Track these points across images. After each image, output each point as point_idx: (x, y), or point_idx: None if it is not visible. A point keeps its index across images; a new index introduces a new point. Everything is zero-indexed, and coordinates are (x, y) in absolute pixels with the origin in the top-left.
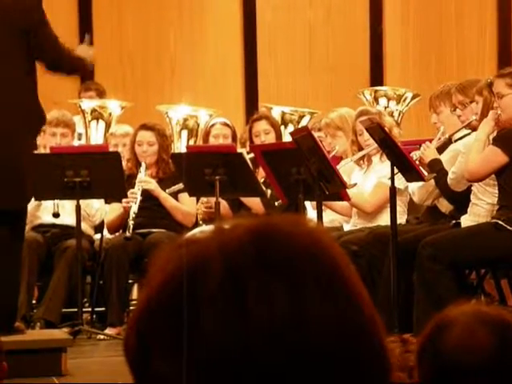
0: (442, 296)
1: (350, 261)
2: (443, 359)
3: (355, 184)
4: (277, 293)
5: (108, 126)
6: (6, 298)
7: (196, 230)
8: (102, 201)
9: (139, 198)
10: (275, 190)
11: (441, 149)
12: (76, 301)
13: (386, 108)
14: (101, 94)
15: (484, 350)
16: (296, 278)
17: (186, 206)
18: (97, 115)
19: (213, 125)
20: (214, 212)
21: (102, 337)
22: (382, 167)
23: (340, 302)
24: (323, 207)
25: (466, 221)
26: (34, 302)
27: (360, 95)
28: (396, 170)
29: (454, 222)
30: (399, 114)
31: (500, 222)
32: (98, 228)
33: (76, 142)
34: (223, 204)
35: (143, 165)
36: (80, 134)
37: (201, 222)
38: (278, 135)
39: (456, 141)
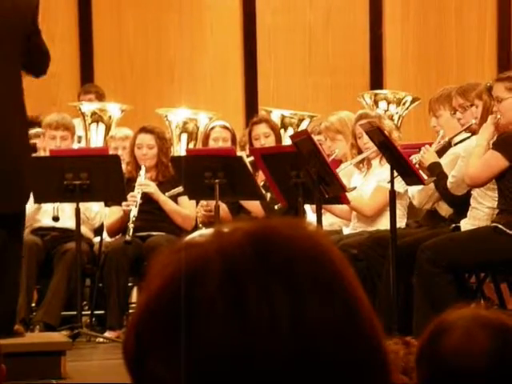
0: (441, 299)
1: (350, 264)
2: (442, 363)
3: (355, 187)
4: (276, 295)
5: (108, 128)
6: (5, 300)
7: (195, 234)
8: (102, 204)
9: (139, 201)
10: (275, 194)
11: (440, 152)
12: (75, 304)
13: (385, 111)
14: (100, 96)
15: (483, 354)
16: (295, 281)
17: (185, 209)
18: (97, 118)
19: (212, 128)
20: (214, 215)
21: (101, 340)
22: (381, 171)
23: (339, 305)
24: (323, 210)
25: (465, 224)
26: (33, 304)
27: (360, 98)
28: (396, 174)
29: (453, 225)
30: (399, 118)
31: (500, 226)
32: (98, 231)
33: (76, 145)
34: (223, 207)
35: (143, 168)
36: (80, 137)
37: (200, 226)
38: (278, 138)
39: (456, 144)
